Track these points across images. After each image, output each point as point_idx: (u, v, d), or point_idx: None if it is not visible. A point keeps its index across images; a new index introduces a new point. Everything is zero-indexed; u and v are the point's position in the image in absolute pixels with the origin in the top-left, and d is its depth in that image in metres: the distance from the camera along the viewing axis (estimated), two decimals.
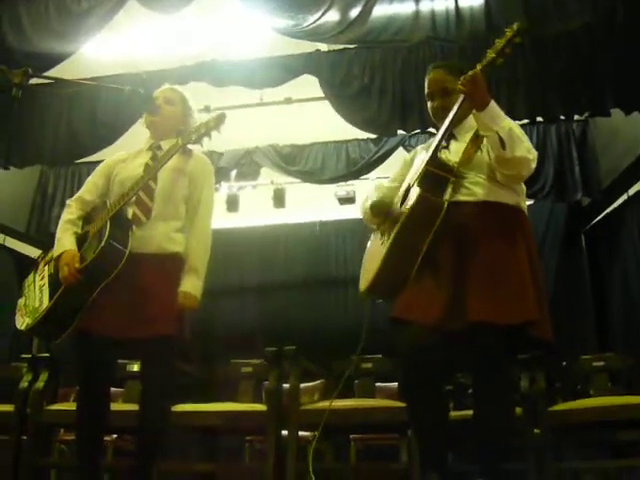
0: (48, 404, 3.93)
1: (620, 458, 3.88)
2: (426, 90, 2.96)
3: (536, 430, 3.49)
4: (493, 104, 2.64)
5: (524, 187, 2.87)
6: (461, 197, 2.72)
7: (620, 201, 5.96)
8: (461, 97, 2.68)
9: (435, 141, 2.78)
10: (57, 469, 4.44)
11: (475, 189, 2.72)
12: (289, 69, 5.49)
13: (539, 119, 5.47)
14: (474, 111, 2.67)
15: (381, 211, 2.88)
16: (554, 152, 6.35)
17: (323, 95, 5.52)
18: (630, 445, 3.93)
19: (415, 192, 2.69)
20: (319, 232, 8.07)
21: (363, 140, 6.70)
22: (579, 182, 6.21)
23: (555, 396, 3.79)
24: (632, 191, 5.75)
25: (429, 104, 2.95)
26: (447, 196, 2.70)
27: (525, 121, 5.47)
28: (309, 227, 8.07)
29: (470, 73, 2.62)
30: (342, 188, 7.14)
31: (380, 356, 4.00)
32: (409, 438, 3.61)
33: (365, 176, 6.80)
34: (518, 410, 3.53)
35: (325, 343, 6.64)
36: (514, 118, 4.98)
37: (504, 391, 2.64)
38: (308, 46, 5.46)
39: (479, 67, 2.63)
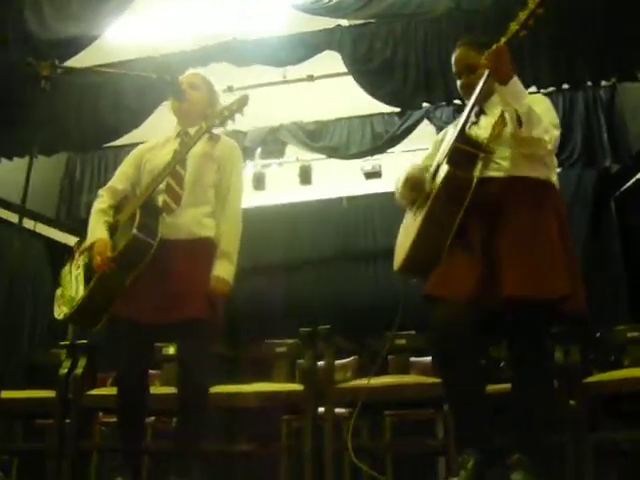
0: (88, 389, 3.99)
1: None
2: (453, 69, 2.96)
3: (572, 402, 3.48)
4: (516, 80, 2.62)
5: (555, 160, 2.86)
6: (491, 172, 2.72)
7: None
8: (486, 72, 2.67)
9: (462, 118, 2.77)
10: (99, 451, 4.52)
11: (504, 164, 2.72)
12: (311, 45, 5.46)
13: (565, 86, 5.39)
14: (497, 85, 2.65)
15: (415, 184, 2.88)
16: (581, 119, 6.27)
17: (346, 70, 5.49)
18: None
19: (444, 169, 2.70)
20: (346, 207, 8.06)
21: (388, 114, 6.66)
22: (608, 148, 6.14)
23: (590, 368, 3.78)
24: None
25: (458, 82, 2.95)
26: (477, 172, 2.70)
27: (551, 89, 5.43)
28: (336, 203, 8.07)
29: (493, 47, 2.61)
30: (368, 162, 7.13)
31: (414, 332, 4.01)
32: (445, 413, 3.62)
33: (391, 150, 6.78)
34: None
35: (356, 319, 6.66)
36: (540, 86, 5.05)
37: (542, 364, 2.66)
38: (329, 22, 5.43)
39: (503, 40, 2.62)
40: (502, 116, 2.72)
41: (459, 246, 2.66)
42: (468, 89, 2.84)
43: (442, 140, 2.96)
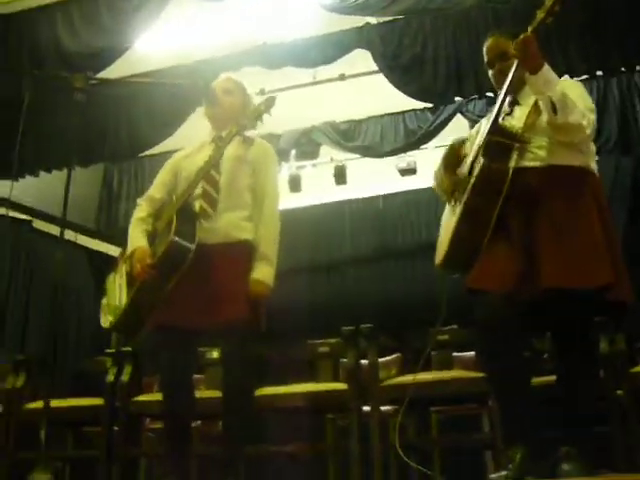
0: (134, 395, 4.04)
1: None
2: (485, 59, 2.92)
3: (618, 392, 3.44)
4: (547, 68, 2.59)
5: (593, 147, 2.81)
6: (527, 162, 2.69)
7: None
8: (515, 62, 2.65)
9: (495, 109, 2.75)
10: (147, 457, 4.56)
11: (540, 153, 2.69)
12: (341, 45, 5.48)
13: (599, 73, 5.33)
14: (527, 74, 2.63)
15: (453, 159, 2.89)
16: (616, 105, 6.18)
17: (377, 68, 5.49)
18: None
19: (480, 162, 2.69)
20: (383, 205, 8.06)
21: (420, 110, 6.66)
22: None
23: (636, 357, 3.73)
24: None
25: (490, 72, 2.91)
26: (512, 163, 2.68)
27: (584, 76, 5.36)
28: (373, 201, 8.08)
29: (521, 36, 2.58)
30: (402, 160, 7.12)
31: (456, 326, 3.99)
32: (490, 408, 3.60)
33: (424, 146, 6.76)
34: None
35: (397, 315, 6.66)
36: (572, 76, 4.97)
37: (587, 354, 2.63)
38: (357, 20, 5.43)
39: (530, 29, 2.59)
40: (536, 105, 2.69)
41: (499, 238, 2.64)
42: (501, 77, 2.79)
43: (477, 133, 2.94)
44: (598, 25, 4.88)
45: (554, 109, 2.55)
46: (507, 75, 2.72)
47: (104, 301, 3.35)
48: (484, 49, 2.94)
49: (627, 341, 3.56)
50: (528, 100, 2.76)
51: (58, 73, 3.06)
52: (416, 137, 6.61)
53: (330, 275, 8.10)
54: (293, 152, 7.06)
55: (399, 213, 8.05)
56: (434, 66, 5.26)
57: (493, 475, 2.55)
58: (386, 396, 3.63)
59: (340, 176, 7.43)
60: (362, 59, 5.52)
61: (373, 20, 5.47)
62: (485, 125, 2.79)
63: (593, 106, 2.72)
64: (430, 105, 6.28)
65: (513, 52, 2.62)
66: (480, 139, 2.75)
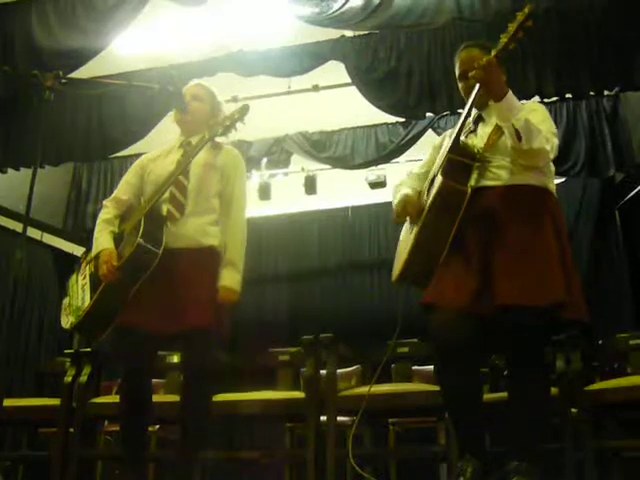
0: (92, 397, 4.01)
1: None
2: (457, 71, 2.92)
3: (573, 410, 3.49)
4: (510, 96, 2.61)
5: (552, 167, 2.85)
6: (487, 182, 2.73)
7: None
8: (477, 85, 2.66)
9: (456, 128, 2.77)
10: (103, 460, 4.53)
11: (500, 173, 2.72)
12: (315, 56, 5.51)
13: (568, 96, 5.41)
14: (491, 101, 2.66)
15: (404, 208, 2.89)
16: (585, 129, 6.27)
17: (350, 81, 5.53)
18: None
19: (438, 180, 2.71)
20: (351, 217, 8.09)
21: (392, 124, 6.70)
22: (611, 158, 6.13)
23: (592, 375, 3.78)
24: None
25: (460, 85, 2.90)
26: (472, 182, 2.71)
27: (554, 98, 5.45)
28: (341, 212, 8.10)
29: (483, 60, 2.59)
30: (373, 172, 7.15)
31: (416, 340, 4.02)
32: (446, 421, 3.63)
33: (395, 160, 6.80)
34: (554, 390, 3.54)
35: (360, 328, 6.68)
36: (543, 97, 5.07)
37: (538, 372, 2.65)
38: (333, 32, 5.46)
39: (493, 53, 2.60)
40: (498, 125, 2.73)
41: (456, 255, 2.67)
42: (471, 91, 2.77)
43: (441, 144, 2.97)
44: (571, 49, 4.95)
45: (518, 136, 2.59)
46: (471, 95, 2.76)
47: (65, 301, 3.33)
48: (457, 60, 2.93)
49: (583, 359, 3.61)
50: (492, 118, 2.79)
51: (28, 71, 3.03)
52: (387, 150, 6.65)
53: (296, 284, 8.09)
54: (264, 160, 7.06)
55: (367, 225, 8.07)
56: (407, 81, 5.30)
57: None
58: (344, 406, 3.64)
59: (310, 186, 7.44)
60: (337, 71, 5.55)
61: (349, 33, 5.51)
62: (448, 142, 2.82)
63: (555, 130, 2.77)
64: (402, 120, 6.33)
65: (473, 75, 2.62)
66: (441, 157, 2.77)
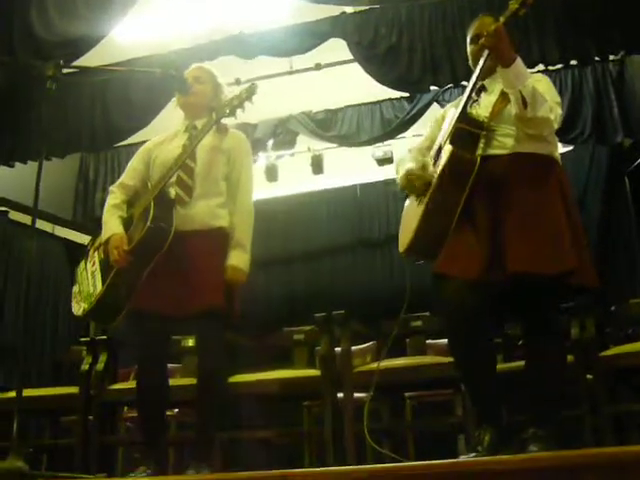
0: (110, 384, 4.05)
1: None
2: (471, 34, 2.92)
3: (589, 376, 3.50)
4: (519, 62, 2.62)
5: (556, 137, 2.85)
6: (493, 150, 2.73)
7: None
8: (486, 52, 2.67)
9: (464, 97, 2.78)
10: (124, 446, 4.58)
11: (507, 141, 2.72)
12: (316, 34, 5.47)
13: (573, 62, 5.36)
14: (499, 67, 2.65)
15: (410, 183, 2.87)
16: (591, 95, 6.22)
17: (352, 58, 5.50)
18: None
19: (447, 150, 2.71)
20: (360, 195, 8.07)
21: (396, 99, 6.66)
22: (619, 123, 6.08)
23: (606, 342, 3.79)
24: None
25: (470, 49, 2.91)
26: (479, 151, 2.71)
27: (559, 66, 5.41)
28: (350, 191, 8.08)
29: (492, 26, 2.60)
30: (379, 149, 7.11)
31: (428, 313, 4.03)
32: (463, 393, 3.65)
33: (401, 135, 6.77)
34: (570, 357, 3.55)
35: (374, 304, 6.68)
36: (547, 64, 5.03)
37: (553, 339, 2.66)
38: (333, 9, 5.43)
39: (502, 20, 2.61)
40: (503, 94, 2.72)
41: (465, 225, 2.67)
42: (480, 55, 2.77)
43: (443, 118, 2.96)
44: (573, 14, 4.90)
45: (524, 103, 2.58)
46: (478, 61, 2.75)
47: (75, 289, 3.36)
48: (471, 28, 2.94)
49: (597, 326, 3.62)
50: (495, 87, 2.79)
51: (29, 61, 3.03)
52: (393, 126, 6.62)
53: (307, 264, 8.09)
54: (270, 142, 7.04)
55: (376, 202, 8.04)
56: (410, 56, 5.27)
57: (462, 457, 2.59)
58: (359, 382, 3.65)
59: (317, 165, 7.42)
60: (338, 49, 5.52)
61: (349, 9, 5.47)
62: (453, 112, 2.81)
63: (559, 100, 2.78)
64: (406, 94, 6.30)
65: (483, 42, 2.64)
66: (448, 127, 2.77)
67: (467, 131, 2.70)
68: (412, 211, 2.88)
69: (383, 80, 5.44)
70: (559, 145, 6.29)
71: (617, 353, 3.52)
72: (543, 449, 2.40)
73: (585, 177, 6.98)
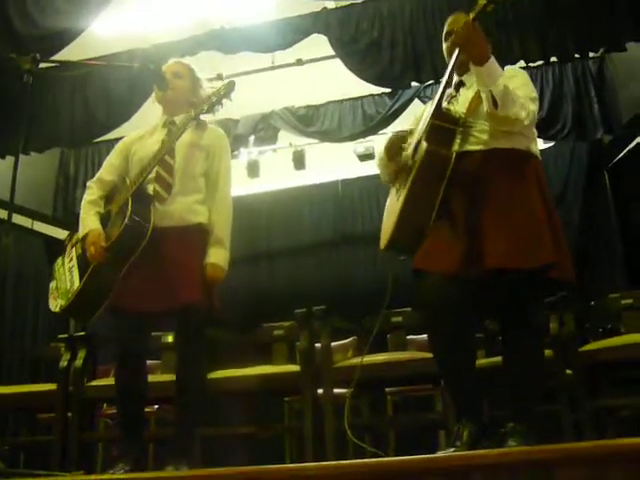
0: (88, 381, 4.02)
1: None
2: (445, 29, 2.92)
3: (568, 371, 3.51)
4: (492, 61, 2.60)
5: (535, 130, 2.85)
6: (470, 146, 2.73)
7: None
8: (457, 49, 2.66)
9: (438, 94, 2.77)
10: (103, 443, 4.55)
11: (483, 137, 2.72)
12: (298, 30, 5.47)
13: (554, 59, 5.39)
14: (471, 64, 2.65)
15: (395, 150, 2.89)
16: (572, 91, 6.26)
17: (334, 53, 5.49)
18: None
19: (423, 146, 2.71)
20: (342, 191, 8.06)
21: (378, 95, 6.66)
22: (599, 120, 6.12)
23: (586, 337, 3.81)
24: None
25: (445, 45, 2.91)
26: (456, 147, 2.71)
27: (540, 62, 5.43)
28: (332, 186, 8.06)
29: (461, 23, 2.60)
30: (361, 145, 7.12)
31: (410, 309, 4.04)
32: (442, 388, 3.65)
33: (383, 131, 6.77)
34: (549, 352, 3.56)
35: (356, 300, 6.66)
36: (528, 61, 5.05)
37: (531, 334, 2.65)
38: (315, 5, 5.42)
39: (471, 15, 2.59)
40: (478, 90, 2.72)
41: (443, 221, 2.67)
42: (452, 52, 2.77)
43: (422, 115, 2.96)
44: (554, 12, 4.93)
45: (495, 102, 2.58)
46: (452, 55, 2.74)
47: (52, 285, 3.33)
48: (446, 23, 2.93)
49: (577, 321, 3.63)
50: (473, 83, 2.77)
51: (6, 55, 3.00)
52: (374, 122, 6.62)
53: (288, 260, 8.07)
54: (252, 138, 7.03)
55: (358, 198, 8.03)
56: (391, 51, 5.28)
57: (440, 452, 2.59)
58: (340, 378, 3.65)
59: (299, 161, 7.41)
60: (320, 44, 5.51)
61: (331, 5, 5.47)
62: (430, 109, 2.81)
63: (535, 95, 2.77)
64: (388, 90, 6.30)
65: (453, 40, 2.64)
66: (424, 123, 2.77)
67: (442, 127, 2.69)
68: (392, 207, 2.88)
69: (364, 76, 5.45)
70: (539, 141, 6.36)
71: (596, 348, 3.54)
72: (521, 444, 2.40)
73: (566, 173, 7.03)
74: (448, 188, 2.66)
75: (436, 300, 2.60)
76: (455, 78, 2.89)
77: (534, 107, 2.71)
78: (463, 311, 2.62)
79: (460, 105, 2.79)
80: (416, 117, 3.06)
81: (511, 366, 2.66)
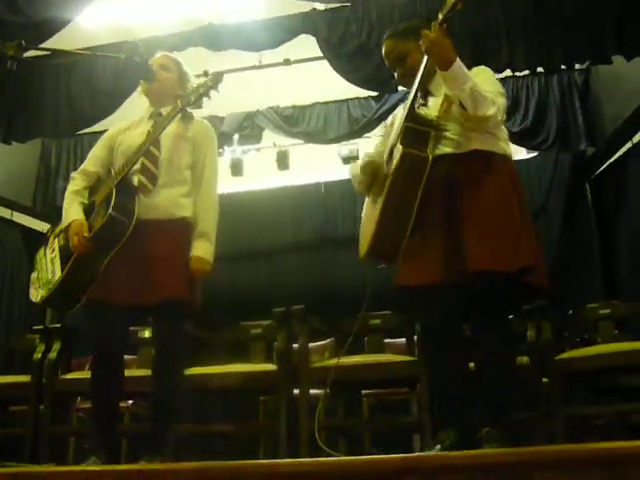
0: (63, 373, 3.99)
1: (628, 402, 3.91)
2: (386, 63, 2.98)
3: (544, 379, 3.53)
4: (457, 64, 2.60)
5: (505, 131, 2.87)
6: (445, 149, 2.73)
7: (624, 149, 5.92)
8: (425, 57, 2.67)
9: (409, 99, 2.77)
10: (75, 436, 4.51)
11: (457, 139, 2.73)
12: (287, 30, 5.46)
13: (540, 70, 5.42)
14: (437, 69, 2.66)
15: (373, 169, 2.90)
16: (557, 103, 6.33)
17: (322, 55, 5.49)
18: (637, 390, 3.97)
19: (398, 150, 2.70)
20: (325, 192, 8.04)
21: (364, 98, 6.69)
22: (583, 132, 6.19)
23: (563, 345, 3.83)
24: (637, 138, 5.70)
25: (395, 75, 2.95)
26: (429, 151, 2.71)
27: (526, 72, 5.46)
28: (315, 188, 8.04)
29: (425, 30, 2.60)
30: (345, 147, 7.12)
31: (389, 312, 4.04)
32: (418, 392, 3.65)
33: (368, 134, 6.78)
34: (525, 359, 3.58)
35: (336, 302, 6.66)
36: (514, 70, 5.07)
37: (501, 339, 2.64)
38: (305, 5, 5.42)
39: (441, 16, 2.60)
40: (447, 95, 2.72)
41: (421, 227, 2.68)
42: (405, 79, 2.85)
43: (392, 125, 2.96)
44: (542, 23, 4.96)
45: (464, 105, 2.60)
46: (411, 76, 2.76)
47: (34, 275, 3.29)
48: (382, 53, 2.98)
49: (554, 330, 3.65)
50: (440, 90, 2.78)
51: None
52: (359, 125, 6.64)
53: (270, 260, 8.04)
54: (236, 136, 7.01)
55: (340, 200, 8.01)
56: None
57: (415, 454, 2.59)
58: (316, 379, 3.64)
59: (282, 161, 7.41)
60: (308, 45, 5.51)
61: (320, 6, 5.46)
62: (401, 115, 2.81)
63: (502, 90, 2.78)
64: (374, 93, 6.31)
65: (422, 45, 2.62)
66: (397, 128, 2.77)
67: (416, 129, 2.69)
68: (369, 215, 2.88)
69: (351, 78, 5.46)
70: (522, 151, 6.38)
71: (572, 356, 3.57)
72: (498, 447, 2.41)
73: (548, 183, 7.06)
74: (425, 193, 2.66)
75: (424, 312, 2.62)
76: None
77: (503, 100, 2.72)
78: (451, 319, 2.64)
79: (432, 109, 2.79)
80: (387, 126, 3.07)
81: (483, 371, 2.65)
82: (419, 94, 2.83)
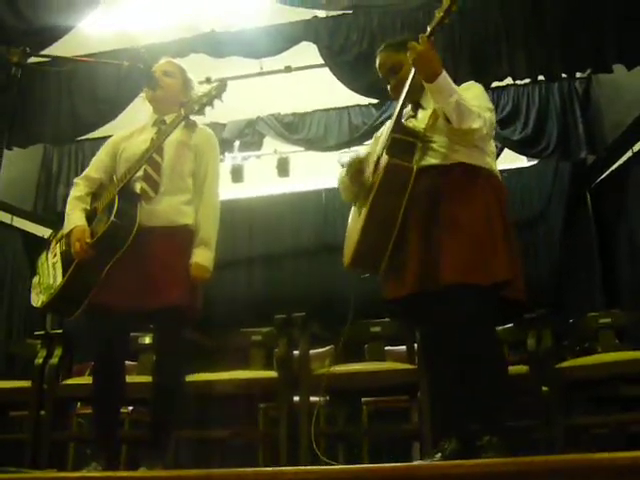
0: (64, 379, 3.99)
1: (627, 412, 3.91)
2: (379, 74, 2.99)
3: (544, 388, 3.53)
4: (442, 77, 2.61)
5: (493, 146, 2.89)
6: (430, 160, 2.75)
7: (625, 158, 5.93)
8: (413, 70, 2.69)
9: (396, 110, 2.79)
10: (75, 442, 4.51)
11: (443, 152, 2.75)
12: (288, 37, 5.47)
13: (541, 78, 5.43)
14: (423, 82, 2.67)
15: (357, 170, 2.93)
16: (557, 111, 6.32)
17: (323, 62, 5.50)
18: (637, 400, 3.98)
19: (384, 160, 2.73)
20: (325, 200, 8.04)
21: (365, 106, 6.69)
22: (583, 140, 6.19)
23: (563, 354, 3.84)
24: (637, 147, 5.71)
25: (388, 87, 2.97)
26: (416, 161, 2.73)
27: (527, 80, 5.47)
28: (315, 195, 8.04)
29: (413, 42, 2.62)
30: (346, 154, 7.10)
31: (388, 319, 4.04)
32: (419, 400, 3.66)
33: (368, 142, 6.77)
34: (525, 368, 3.59)
35: (335, 309, 6.64)
36: (515, 78, 5.08)
37: (483, 350, 2.61)
38: (306, 13, 5.44)
39: (429, 28, 2.63)
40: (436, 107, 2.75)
41: (404, 238, 2.70)
42: (397, 91, 2.85)
43: (380, 137, 2.98)
44: (543, 31, 4.97)
45: (449, 118, 2.62)
46: (402, 88, 2.77)
47: (35, 280, 3.30)
48: (376, 65, 2.98)
49: (555, 339, 3.66)
50: (431, 103, 2.79)
51: None
52: (360, 132, 6.64)
53: (270, 267, 8.04)
54: (237, 143, 7.02)
55: (340, 208, 7.99)
56: None
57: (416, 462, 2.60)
58: (317, 386, 3.64)
59: (283, 168, 7.41)
60: (309, 52, 5.52)
61: (321, 14, 5.48)
62: (389, 126, 2.83)
63: (490, 105, 2.80)
64: (375, 101, 6.32)
65: (409, 59, 2.64)
66: (384, 139, 2.79)
67: (402, 140, 2.72)
68: (354, 226, 2.89)
69: (352, 86, 5.46)
70: (523, 159, 6.39)
71: (572, 365, 3.57)
72: (498, 456, 2.41)
73: (548, 192, 7.07)
74: (408, 203, 2.68)
75: (416, 320, 2.63)
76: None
77: (490, 115, 2.74)
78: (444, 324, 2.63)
79: (420, 122, 2.82)
80: (376, 138, 3.09)
81: (472, 382, 2.62)
82: (410, 106, 2.87)
